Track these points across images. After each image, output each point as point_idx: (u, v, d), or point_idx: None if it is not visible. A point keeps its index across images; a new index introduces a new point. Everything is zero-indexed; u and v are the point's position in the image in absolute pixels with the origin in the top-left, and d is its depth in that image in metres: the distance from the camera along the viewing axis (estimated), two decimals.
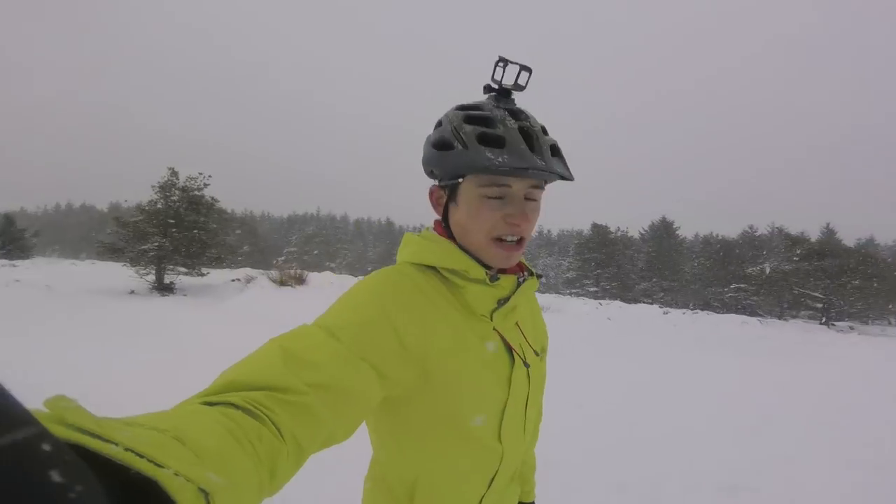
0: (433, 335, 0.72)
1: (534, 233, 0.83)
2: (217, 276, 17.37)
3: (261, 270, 18.90)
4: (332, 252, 62.33)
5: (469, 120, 0.75)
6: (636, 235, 50.73)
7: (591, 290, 41.26)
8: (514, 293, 0.82)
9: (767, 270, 32.37)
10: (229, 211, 30.05)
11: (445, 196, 0.82)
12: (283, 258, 23.39)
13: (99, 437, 0.27)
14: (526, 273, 0.89)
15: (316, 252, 59.94)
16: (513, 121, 0.74)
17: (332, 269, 34.74)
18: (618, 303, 21.98)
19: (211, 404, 0.47)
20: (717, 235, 49.14)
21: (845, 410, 5.54)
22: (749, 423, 4.82)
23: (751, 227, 50.51)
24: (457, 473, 0.79)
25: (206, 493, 0.32)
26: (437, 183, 0.83)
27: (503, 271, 0.84)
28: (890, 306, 30.50)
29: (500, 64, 0.76)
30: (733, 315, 19.78)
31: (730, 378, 7.17)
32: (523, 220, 0.75)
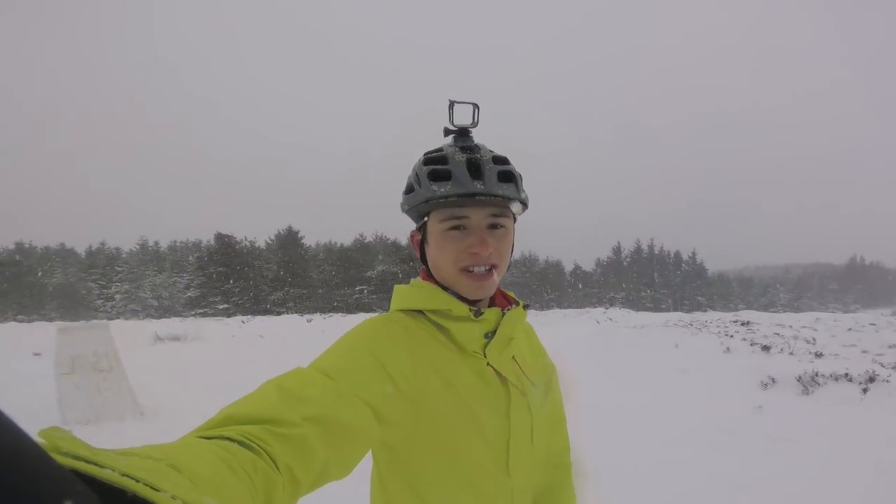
0: (426, 376, 0.74)
1: (508, 259, 0.85)
2: None
3: None
4: None
5: (426, 161, 0.81)
6: (263, 245, 50.19)
7: (222, 307, 38.06)
8: (499, 325, 0.84)
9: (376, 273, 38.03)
10: None
11: (421, 237, 0.86)
12: None
13: (95, 463, 0.28)
14: (513, 304, 0.89)
15: None
16: (463, 155, 0.79)
17: None
18: (260, 318, 21.17)
19: (207, 438, 0.48)
20: (336, 243, 54.31)
21: None
22: None
23: (361, 235, 58.31)
24: None
25: None
26: (415, 227, 0.88)
27: (489, 305, 0.87)
28: None
29: (451, 107, 0.83)
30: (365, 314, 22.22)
31: None
32: (483, 247, 0.77)
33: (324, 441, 0.56)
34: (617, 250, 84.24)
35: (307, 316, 22.72)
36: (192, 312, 38.09)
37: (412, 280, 0.90)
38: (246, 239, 46.06)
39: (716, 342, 9.27)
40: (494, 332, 0.83)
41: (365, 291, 38.43)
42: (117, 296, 50.26)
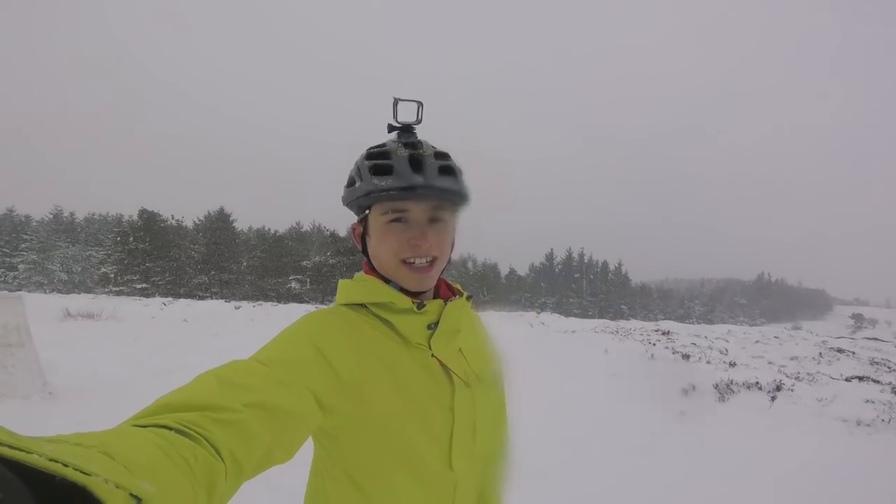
0: (370, 367, 0.75)
1: (450, 254, 0.88)
2: None
3: None
4: None
5: (369, 156, 0.82)
6: (191, 225, 47.30)
7: (140, 286, 35.45)
8: (441, 316, 0.85)
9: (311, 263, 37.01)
10: None
11: (362, 230, 0.87)
12: None
13: (19, 448, 0.27)
14: (457, 296, 0.91)
15: None
16: (405, 150, 0.80)
17: None
18: (184, 301, 19.86)
19: (142, 426, 0.46)
20: (270, 229, 52.14)
21: None
22: None
23: (297, 223, 56.41)
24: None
25: (138, 501, 0.32)
26: (357, 220, 0.88)
27: (434, 297, 0.89)
28: None
29: (396, 104, 0.84)
30: (294, 304, 21.48)
31: None
32: (422, 240, 0.79)
33: (266, 426, 0.56)
34: (550, 257, 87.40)
35: (235, 302, 21.65)
36: (106, 290, 35.17)
37: (356, 274, 0.90)
38: (173, 217, 43.20)
39: (641, 349, 9.81)
40: (437, 323, 0.84)
41: (298, 282, 37.22)
42: (21, 266, 45.38)
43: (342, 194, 0.88)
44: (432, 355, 0.83)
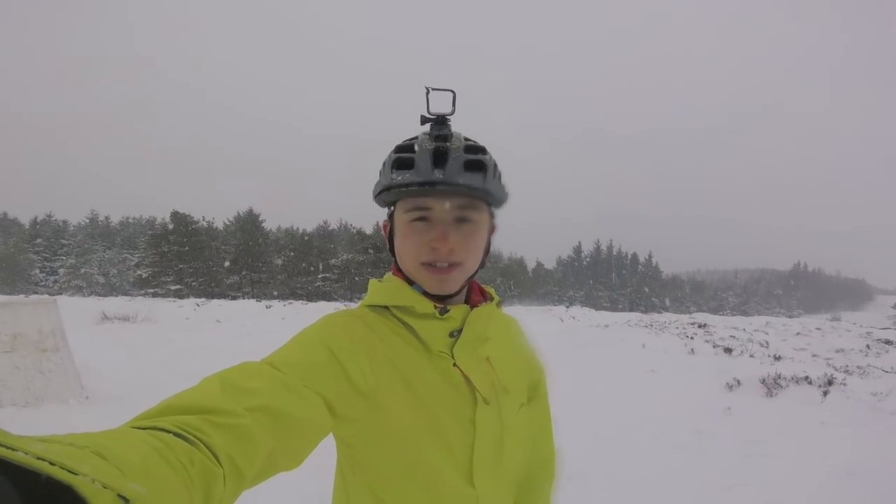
0: (384, 373, 0.71)
1: (477, 259, 0.79)
2: None
3: None
4: None
5: (396, 149, 0.77)
6: (221, 227, 48.41)
7: (174, 287, 36.48)
8: (465, 323, 0.79)
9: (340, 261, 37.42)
10: None
11: (390, 227, 0.82)
12: None
13: (3, 445, 0.27)
14: (487, 300, 0.85)
15: None
16: (432, 143, 0.74)
17: None
18: (217, 301, 20.31)
19: (141, 428, 0.45)
20: (298, 229, 52.92)
21: None
22: None
23: (325, 222, 57.13)
24: None
25: (126, 502, 0.31)
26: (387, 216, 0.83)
27: (465, 301, 0.83)
28: None
29: (428, 93, 0.77)
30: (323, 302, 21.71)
31: None
32: (443, 242, 0.73)
33: (269, 431, 0.54)
34: (577, 250, 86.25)
35: (266, 302, 22.03)
36: (142, 292, 36.28)
37: (385, 275, 0.85)
38: (204, 219, 44.27)
39: (679, 343, 9.51)
40: (459, 331, 0.79)
41: (327, 280, 37.68)
42: (61, 270, 47.35)
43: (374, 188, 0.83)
44: (454, 364, 0.77)
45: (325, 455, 0.80)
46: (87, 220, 58.77)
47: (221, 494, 0.45)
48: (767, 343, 10.15)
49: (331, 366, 0.66)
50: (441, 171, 0.72)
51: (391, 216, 0.81)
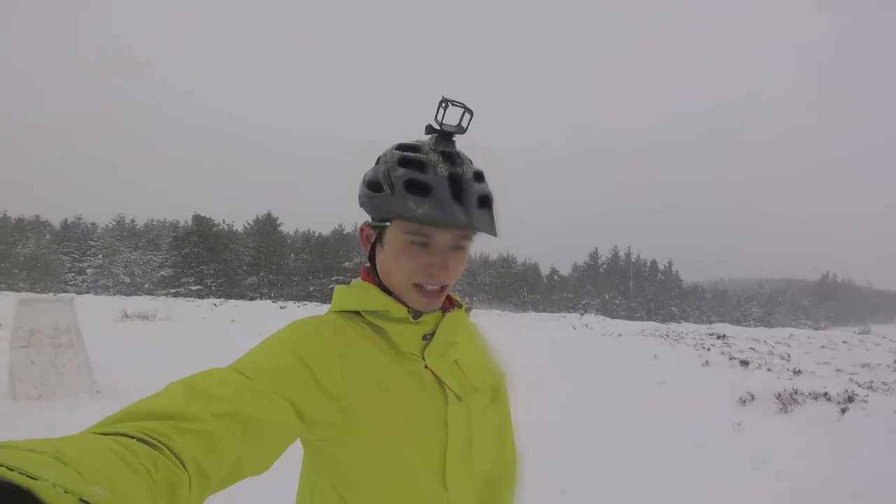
0: (355, 377, 0.71)
1: (459, 277, 0.80)
2: None
3: None
4: None
5: (403, 162, 0.73)
6: (240, 229, 49.24)
7: (194, 288, 37.17)
8: (437, 327, 0.81)
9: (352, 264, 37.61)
10: None
11: (374, 235, 0.80)
12: None
13: None
14: (455, 307, 0.87)
15: None
16: (445, 166, 0.73)
17: None
18: (234, 302, 20.62)
19: (102, 434, 0.45)
20: (315, 232, 53.55)
21: None
22: None
23: (340, 226, 57.67)
24: None
25: None
26: (369, 220, 0.81)
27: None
28: None
29: (443, 105, 0.74)
30: None
31: None
32: (443, 271, 0.74)
33: (236, 437, 0.54)
34: (594, 256, 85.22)
35: (281, 303, 22.27)
36: (165, 291, 37.05)
37: (353, 280, 0.85)
38: (224, 222, 45.10)
39: (694, 355, 9.28)
40: (433, 334, 0.80)
41: (340, 283, 38.12)
42: (89, 270, 48.72)
43: (361, 192, 0.80)
44: (426, 367, 0.78)
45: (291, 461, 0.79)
46: (114, 223, 60.44)
47: (187, 498, 0.45)
48: (789, 356, 9.84)
49: (300, 371, 0.66)
50: (462, 209, 0.71)
51: (377, 227, 0.79)
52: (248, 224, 50.26)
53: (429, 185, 0.71)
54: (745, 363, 8.27)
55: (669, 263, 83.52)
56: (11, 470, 0.27)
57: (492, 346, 0.97)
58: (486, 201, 0.76)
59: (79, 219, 58.53)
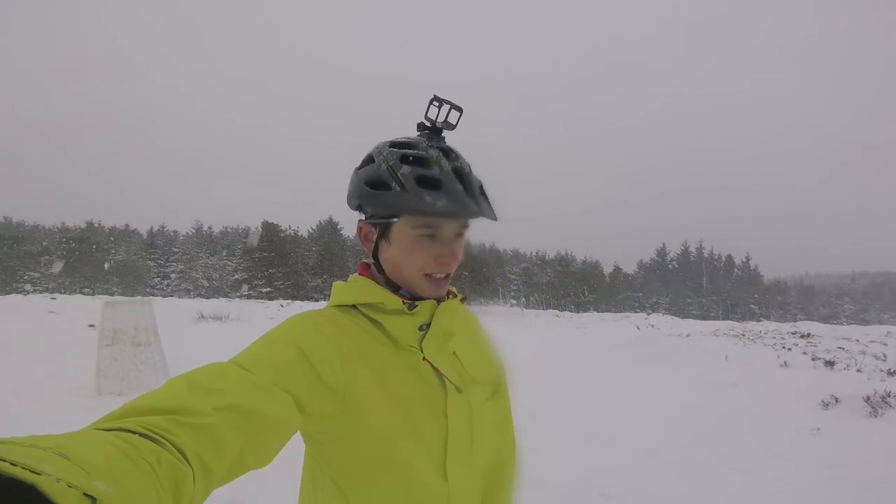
0: (355, 369, 0.72)
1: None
2: None
3: None
4: None
5: (405, 160, 0.75)
6: (305, 234, 51.49)
7: (265, 290, 39.33)
8: (433, 317, 0.82)
9: None
10: None
11: (376, 233, 0.81)
12: None
13: None
14: (450, 297, 0.87)
15: None
16: (446, 161, 0.75)
17: None
18: (299, 303, 21.57)
19: (104, 430, 0.45)
20: None
21: None
22: None
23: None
24: None
25: (92, 500, 0.31)
26: (363, 218, 0.82)
27: (422, 298, 0.83)
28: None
29: (435, 103, 0.78)
30: None
31: None
32: (453, 259, 0.78)
33: (238, 430, 0.54)
34: (661, 252, 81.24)
35: None
36: (238, 294, 39.48)
37: (350, 276, 0.87)
38: (290, 227, 47.37)
39: (772, 355, 8.57)
40: (430, 324, 0.81)
41: None
42: (172, 275, 52.96)
43: (358, 191, 0.79)
44: (424, 358, 0.79)
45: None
46: (193, 230, 65.21)
47: (191, 493, 0.46)
48: (885, 356, 8.86)
49: (300, 364, 0.66)
50: (473, 200, 0.74)
51: (380, 224, 0.79)
52: (312, 229, 52.51)
53: (439, 179, 0.73)
54: (830, 364, 7.54)
55: (747, 258, 78.19)
56: (14, 465, 0.27)
57: (492, 339, 0.96)
58: (483, 189, 0.80)
59: (163, 227, 63.97)
